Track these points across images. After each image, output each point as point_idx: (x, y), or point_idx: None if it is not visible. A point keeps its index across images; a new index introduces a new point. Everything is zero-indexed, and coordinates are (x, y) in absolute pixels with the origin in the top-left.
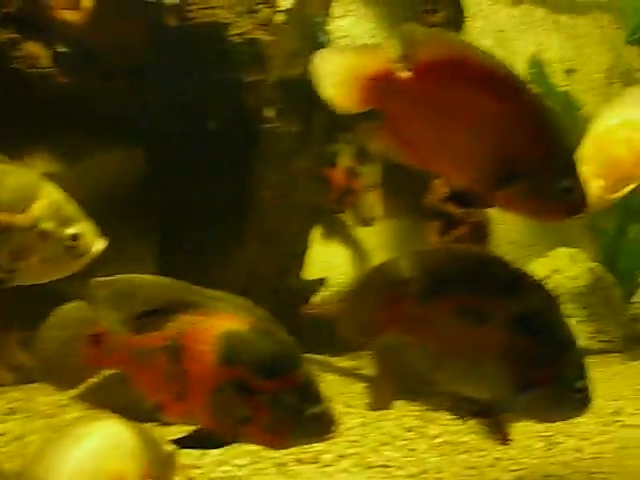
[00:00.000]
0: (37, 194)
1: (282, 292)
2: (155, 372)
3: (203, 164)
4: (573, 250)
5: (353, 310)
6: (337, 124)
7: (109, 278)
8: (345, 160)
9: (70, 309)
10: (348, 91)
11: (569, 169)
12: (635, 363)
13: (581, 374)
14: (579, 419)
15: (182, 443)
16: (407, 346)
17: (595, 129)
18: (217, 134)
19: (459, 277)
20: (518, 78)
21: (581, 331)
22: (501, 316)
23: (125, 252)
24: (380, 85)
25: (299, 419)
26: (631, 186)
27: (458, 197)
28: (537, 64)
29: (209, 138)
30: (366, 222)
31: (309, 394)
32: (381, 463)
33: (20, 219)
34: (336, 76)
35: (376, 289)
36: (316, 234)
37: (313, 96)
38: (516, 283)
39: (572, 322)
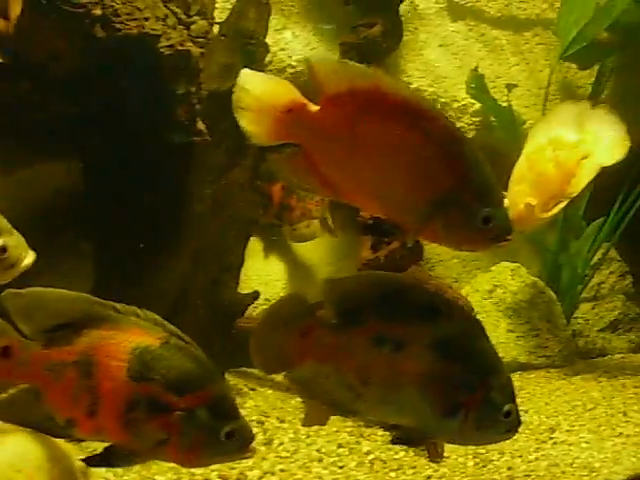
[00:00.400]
0: None
1: (216, 305)
2: (65, 387)
3: (136, 177)
4: (514, 265)
5: (265, 342)
6: None
7: (21, 290)
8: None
9: None
10: (262, 123)
11: (488, 198)
12: (575, 379)
13: (509, 397)
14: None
15: (93, 461)
16: (324, 376)
17: (526, 148)
18: (149, 146)
19: (375, 304)
20: (432, 108)
21: (521, 346)
22: (419, 342)
23: (61, 265)
24: (292, 118)
25: (214, 437)
26: (561, 205)
27: (379, 228)
28: (478, 78)
29: (141, 151)
30: (304, 237)
31: (224, 411)
32: None
33: None
34: (250, 108)
35: (288, 320)
36: (256, 249)
37: None
38: (434, 308)
39: (513, 337)
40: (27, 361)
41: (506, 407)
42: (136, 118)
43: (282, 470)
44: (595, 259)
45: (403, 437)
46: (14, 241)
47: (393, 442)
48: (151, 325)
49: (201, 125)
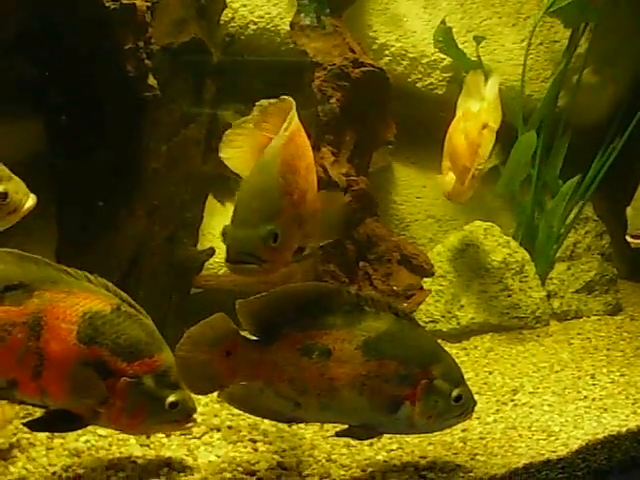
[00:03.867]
0: None
1: (172, 262)
2: (12, 348)
3: (90, 134)
4: (487, 224)
5: (190, 365)
6: (228, 93)
7: None
8: None
9: None
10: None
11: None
12: (547, 340)
13: (456, 382)
14: (476, 398)
15: (34, 426)
16: (258, 391)
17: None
18: (100, 103)
19: (293, 317)
20: None
21: (494, 307)
22: (347, 346)
23: (30, 226)
24: None
25: (158, 405)
26: (469, 176)
27: None
28: (446, 31)
29: (93, 108)
30: None
31: (170, 381)
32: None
33: None
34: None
35: (211, 341)
36: (219, 207)
37: (203, 64)
38: (358, 310)
39: (485, 297)
40: None
41: (455, 392)
42: (86, 75)
43: (230, 427)
44: (570, 218)
45: (349, 435)
46: (14, 186)
47: (337, 435)
48: (103, 291)
49: (152, 80)
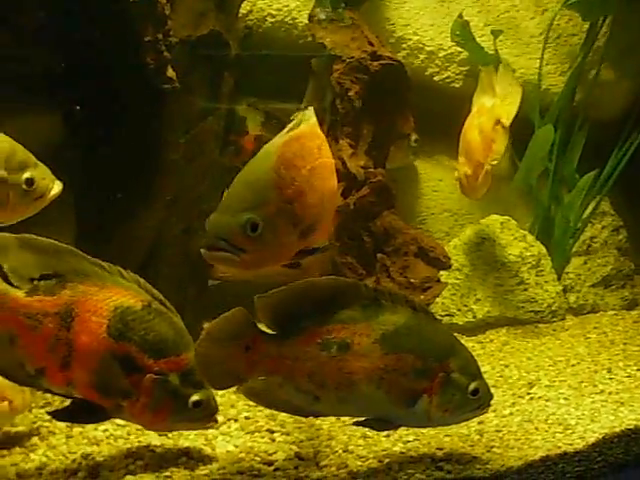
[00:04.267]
0: None
1: (190, 253)
2: (42, 337)
3: (109, 126)
4: (504, 218)
5: (210, 360)
6: (245, 89)
7: (14, 236)
8: (253, 127)
9: None
10: None
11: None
12: (563, 334)
13: (473, 375)
14: (492, 391)
15: (58, 416)
16: (278, 386)
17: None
18: (120, 95)
19: (311, 311)
20: None
21: (509, 300)
22: (365, 340)
23: (45, 215)
24: None
25: (181, 403)
26: (483, 172)
27: None
28: (463, 25)
29: (111, 99)
30: None
31: (195, 380)
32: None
33: None
34: None
35: (230, 336)
36: None
37: (221, 57)
38: (376, 304)
39: (501, 291)
40: (6, 306)
41: (472, 385)
42: (105, 67)
43: (247, 417)
44: (587, 212)
45: (367, 424)
46: (40, 173)
47: (356, 424)
48: (135, 287)
49: (171, 72)
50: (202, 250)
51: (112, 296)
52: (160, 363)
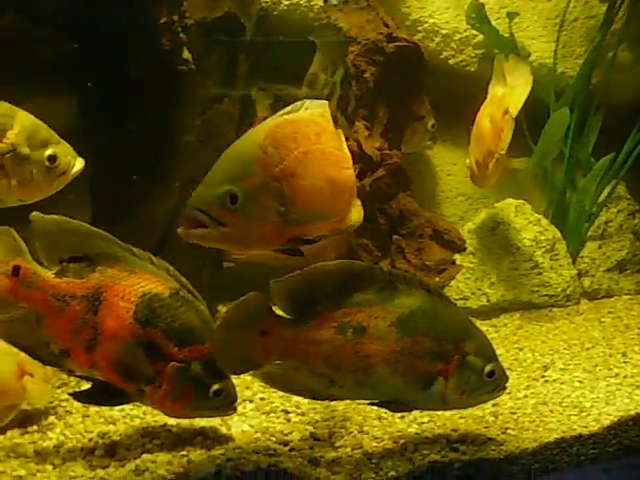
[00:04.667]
0: (12, 122)
1: None
2: (69, 318)
3: (123, 109)
4: (519, 202)
5: (227, 345)
6: (257, 72)
7: (48, 216)
8: (261, 110)
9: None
10: None
11: None
12: (577, 318)
13: (488, 357)
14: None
15: (79, 397)
16: (294, 370)
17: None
18: (135, 77)
19: (328, 295)
20: None
21: (524, 284)
22: (381, 323)
23: (61, 198)
24: None
25: (203, 391)
26: (493, 160)
27: None
28: (478, 7)
29: (127, 82)
30: None
31: (217, 369)
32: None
33: None
34: None
35: (247, 321)
36: None
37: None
38: (391, 287)
39: (515, 275)
40: (35, 285)
41: (487, 368)
42: (121, 49)
43: (262, 398)
44: (603, 196)
45: (382, 405)
46: (63, 150)
47: (371, 404)
48: (164, 274)
49: (187, 54)
50: (178, 229)
51: (141, 282)
52: (184, 351)
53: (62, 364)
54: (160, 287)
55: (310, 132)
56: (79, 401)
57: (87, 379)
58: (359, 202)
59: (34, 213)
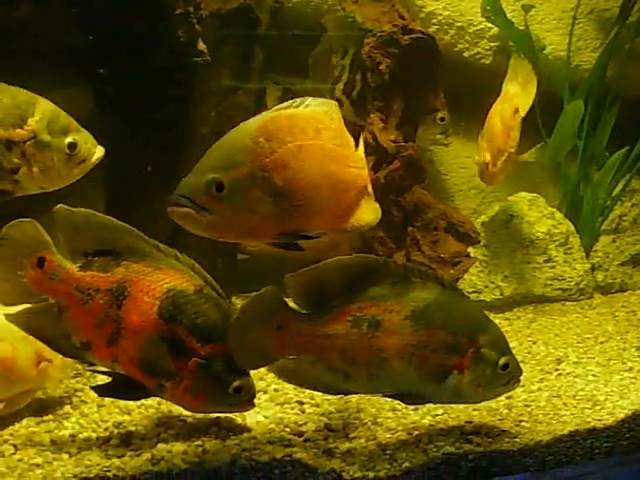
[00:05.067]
0: (33, 109)
1: None
2: (92, 312)
3: (138, 100)
4: (532, 195)
5: (242, 339)
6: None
7: (74, 208)
8: (271, 102)
9: (24, 228)
10: None
11: None
12: (591, 312)
13: (502, 350)
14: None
15: (100, 391)
16: (309, 364)
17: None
18: (150, 68)
19: (342, 289)
20: None
21: (537, 278)
22: (396, 317)
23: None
24: None
25: (223, 388)
26: (503, 158)
27: None
28: (493, 0)
29: (142, 73)
30: None
31: (237, 365)
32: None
33: (19, 134)
34: None
35: (262, 316)
36: None
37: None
38: (405, 281)
39: (528, 268)
40: (59, 277)
41: (502, 360)
42: (136, 40)
43: (276, 390)
44: (617, 190)
45: (397, 397)
46: (83, 137)
47: (386, 395)
48: (189, 270)
49: (202, 46)
50: (168, 208)
51: (166, 278)
52: (206, 347)
53: (83, 357)
54: (185, 284)
55: (309, 127)
56: (99, 394)
57: (106, 373)
58: (374, 203)
59: (58, 206)
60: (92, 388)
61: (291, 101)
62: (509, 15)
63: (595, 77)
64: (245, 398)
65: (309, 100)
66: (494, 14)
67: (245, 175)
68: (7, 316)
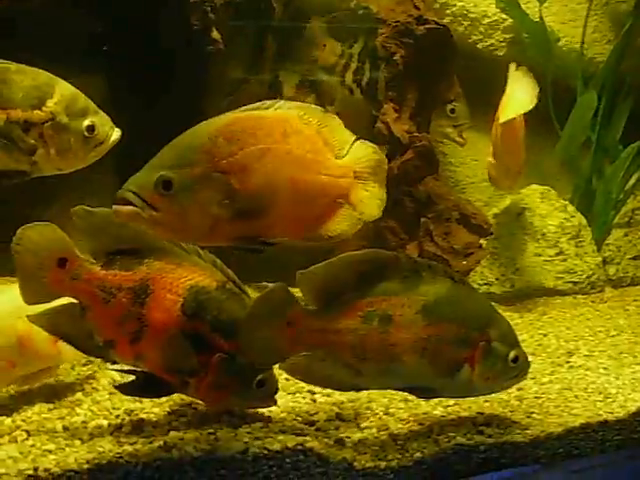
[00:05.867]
0: (52, 91)
1: None
2: (114, 310)
3: (151, 88)
4: (544, 188)
5: (254, 336)
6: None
7: (92, 209)
8: (287, 89)
9: (42, 230)
10: None
11: None
12: (602, 306)
13: (512, 343)
14: (530, 359)
15: (125, 390)
16: (320, 360)
17: None
18: (164, 56)
19: (353, 285)
20: None
21: (548, 270)
22: (407, 311)
23: (90, 182)
24: None
25: (246, 383)
26: (511, 175)
27: None
28: None
29: (156, 61)
30: None
31: None
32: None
33: (37, 115)
34: None
35: (273, 312)
36: None
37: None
38: (415, 275)
39: (539, 261)
40: (81, 277)
41: (512, 354)
42: (151, 28)
43: (287, 379)
44: (630, 184)
45: (407, 390)
46: (101, 119)
47: (396, 389)
48: (211, 267)
49: (216, 34)
50: (113, 206)
51: (188, 275)
52: (230, 343)
53: (106, 355)
54: (207, 280)
55: (276, 131)
56: (124, 393)
57: (128, 372)
58: (354, 214)
59: (76, 207)
60: (116, 387)
61: (260, 103)
62: (524, 7)
63: (609, 69)
64: (268, 393)
65: (281, 102)
66: (509, 5)
67: (198, 175)
68: (29, 317)
